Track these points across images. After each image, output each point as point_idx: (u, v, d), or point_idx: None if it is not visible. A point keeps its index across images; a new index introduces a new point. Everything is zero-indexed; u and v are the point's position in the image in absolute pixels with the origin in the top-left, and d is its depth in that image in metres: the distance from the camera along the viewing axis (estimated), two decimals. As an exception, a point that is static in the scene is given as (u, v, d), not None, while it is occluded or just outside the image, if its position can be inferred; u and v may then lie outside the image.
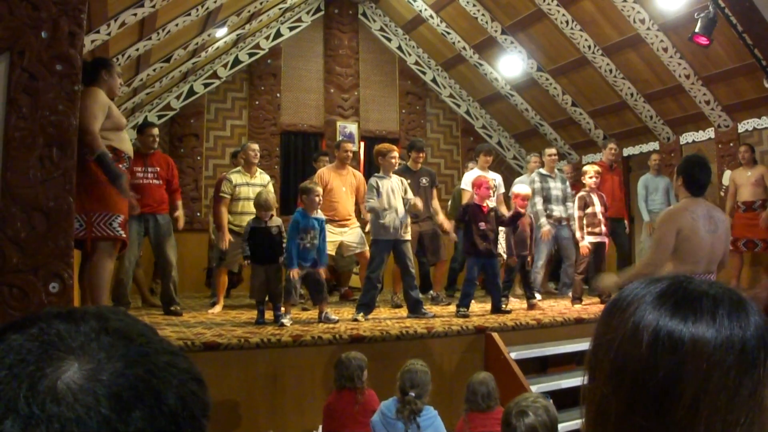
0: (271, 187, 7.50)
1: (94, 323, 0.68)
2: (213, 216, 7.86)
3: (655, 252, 4.31)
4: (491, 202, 7.03)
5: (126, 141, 4.78)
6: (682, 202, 4.32)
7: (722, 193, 8.78)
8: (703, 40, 7.17)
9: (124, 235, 4.56)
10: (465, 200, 7.87)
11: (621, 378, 0.87)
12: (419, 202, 6.69)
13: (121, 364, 0.65)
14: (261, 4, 8.68)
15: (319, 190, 6.36)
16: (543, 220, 8.32)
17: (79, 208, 4.11)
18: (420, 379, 3.92)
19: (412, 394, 3.89)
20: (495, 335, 5.50)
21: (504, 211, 7.73)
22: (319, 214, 6.28)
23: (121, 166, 4.61)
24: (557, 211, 8.42)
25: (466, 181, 8.05)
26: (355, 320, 6.10)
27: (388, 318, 6.39)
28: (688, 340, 0.84)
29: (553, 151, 8.96)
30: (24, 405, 0.59)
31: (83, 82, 4.47)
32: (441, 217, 7.63)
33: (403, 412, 3.83)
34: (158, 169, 6.82)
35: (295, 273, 5.94)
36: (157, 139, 7.06)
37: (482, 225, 6.54)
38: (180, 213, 7.03)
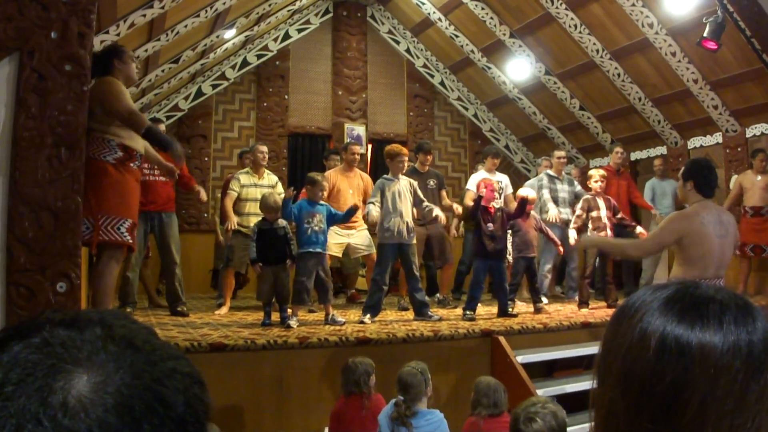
0: (280, 188, 7.51)
1: (99, 330, 0.68)
2: (220, 212, 7.87)
3: (649, 239, 4.33)
4: (498, 204, 7.02)
5: (137, 138, 4.75)
6: (693, 207, 4.30)
7: (730, 198, 8.76)
8: (712, 45, 7.15)
9: (130, 240, 4.54)
10: (467, 199, 7.85)
11: (629, 383, 0.88)
12: (441, 217, 6.70)
13: (129, 374, 0.64)
14: (270, 6, 8.70)
15: (326, 185, 6.37)
16: (550, 205, 8.31)
17: (87, 211, 4.10)
18: (407, 381, 3.91)
19: (401, 398, 3.89)
20: (501, 339, 5.49)
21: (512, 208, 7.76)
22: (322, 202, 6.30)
23: (132, 164, 4.59)
24: (564, 213, 8.42)
25: (472, 182, 8.05)
26: (362, 322, 6.09)
27: (395, 320, 6.39)
28: (695, 346, 0.84)
29: (563, 153, 8.97)
30: (35, 421, 0.59)
31: (96, 74, 4.45)
32: (455, 205, 7.67)
33: (392, 416, 3.83)
34: None
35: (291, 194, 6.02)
36: None
37: (490, 226, 6.53)
38: (201, 190, 6.98)
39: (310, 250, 6.00)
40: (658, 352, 0.86)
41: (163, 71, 8.31)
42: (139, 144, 4.75)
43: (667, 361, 0.85)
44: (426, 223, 7.38)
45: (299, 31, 11.20)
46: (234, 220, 7.03)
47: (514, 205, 7.90)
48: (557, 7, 9.03)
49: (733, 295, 0.91)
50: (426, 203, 6.64)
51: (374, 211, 6.27)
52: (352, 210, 6.33)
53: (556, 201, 8.50)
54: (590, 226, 7.30)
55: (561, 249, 7.59)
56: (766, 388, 0.84)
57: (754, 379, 0.83)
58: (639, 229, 7.40)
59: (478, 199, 6.62)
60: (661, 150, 10.09)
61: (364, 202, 7.59)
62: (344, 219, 6.41)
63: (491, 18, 10.04)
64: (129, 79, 4.79)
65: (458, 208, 7.61)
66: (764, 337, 0.85)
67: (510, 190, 8.32)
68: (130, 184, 4.56)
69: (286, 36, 11.08)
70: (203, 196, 7.00)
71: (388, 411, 3.92)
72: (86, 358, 0.64)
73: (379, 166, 10.18)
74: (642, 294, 0.95)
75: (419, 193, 6.65)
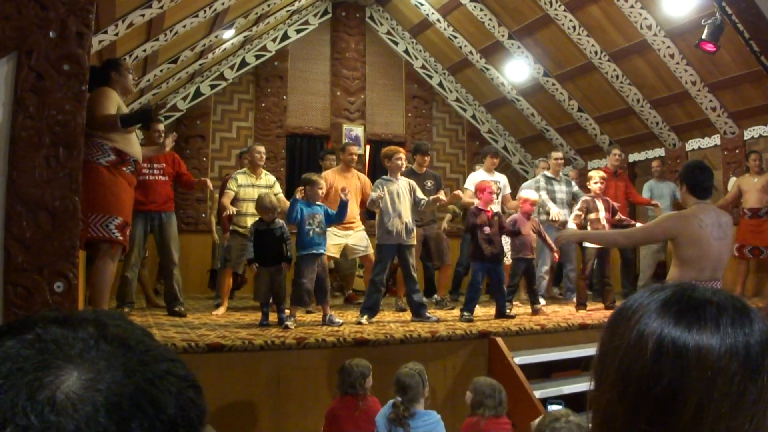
0: (277, 188, 7.49)
1: (92, 329, 0.67)
2: (218, 209, 7.91)
3: (639, 232, 4.31)
4: (495, 207, 7.02)
5: (134, 143, 4.79)
6: (691, 208, 4.31)
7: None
8: (710, 47, 7.16)
9: (120, 238, 4.56)
10: (465, 198, 7.81)
11: (626, 385, 0.88)
12: (443, 197, 6.70)
13: (120, 373, 0.64)
14: (268, 6, 8.70)
15: (323, 183, 6.36)
16: (550, 204, 8.29)
17: None
18: (406, 382, 3.91)
19: (399, 398, 3.88)
20: (499, 340, 5.49)
21: (512, 207, 7.74)
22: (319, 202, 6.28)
23: (125, 169, 4.64)
24: (562, 214, 8.42)
25: (470, 182, 8.04)
26: (359, 323, 6.09)
27: (392, 321, 6.38)
28: (692, 348, 0.84)
29: (560, 155, 8.96)
30: (23, 415, 0.59)
31: (95, 86, 4.52)
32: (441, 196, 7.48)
33: (390, 417, 3.83)
34: (164, 165, 6.84)
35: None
36: (163, 135, 7.08)
37: (486, 230, 6.52)
38: (203, 179, 7.39)
39: (313, 251, 5.99)
40: (655, 354, 0.86)
41: (161, 71, 8.31)
42: (135, 149, 4.77)
43: (664, 363, 0.85)
44: (423, 224, 7.38)
45: (298, 31, 11.20)
46: (232, 208, 7.04)
47: (511, 204, 7.93)
48: (556, 9, 9.04)
49: (730, 297, 0.91)
50: (423, 200, 6.61)
51: (375, 194, 6.27)
52: (344, 204, 6.25)
53: (554, 202, 8.49)
54: (589, 228, 7.30)
55: (557, 255, 7.59)
56: (764, 390, 0.83)
57: (751, 381, 0.83)
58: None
59: (473, 216, 6.62)
60: (660, 152, 10.09)
61: (362, 203, 7.60)
62: (339, 215, 6.32)
63: (490, 19, 10.05)
64: (126, 90, 4.93)
65: (460, 193, 7.36)
66: (761, 339, 0.85)
67: (508, 190, 8.32)
68: (122, 185, 4.62)
69: (285, 36, 11.08)
70: (209, 183, 7.21)
71: (385, 412, 3.92)
72: (77, 355, 0.64)
73: (378, 167, 10.16)
74: (639, 296, 0.95)
75: (419, 192, 6.64)
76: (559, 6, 8.98)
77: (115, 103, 4.64)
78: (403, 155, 6.64)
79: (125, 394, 0.63)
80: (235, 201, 7.22)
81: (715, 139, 9.26)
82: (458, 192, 7.19)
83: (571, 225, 7.38)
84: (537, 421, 2.96)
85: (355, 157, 7.89)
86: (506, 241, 7.41)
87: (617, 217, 7.36)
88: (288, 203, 6.56)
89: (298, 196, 6.31)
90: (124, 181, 4.63)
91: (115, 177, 4.54)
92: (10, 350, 0.63)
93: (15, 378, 0.61)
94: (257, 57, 10.86)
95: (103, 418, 0.61)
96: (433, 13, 10.78)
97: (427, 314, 6.38)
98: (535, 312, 6.98)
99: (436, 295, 8.14)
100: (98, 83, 4.60)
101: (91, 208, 4.36)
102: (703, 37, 7.13)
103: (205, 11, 7.05)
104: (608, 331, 0.95)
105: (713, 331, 0.85)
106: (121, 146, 4.58)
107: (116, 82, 4.79)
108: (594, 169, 8.89)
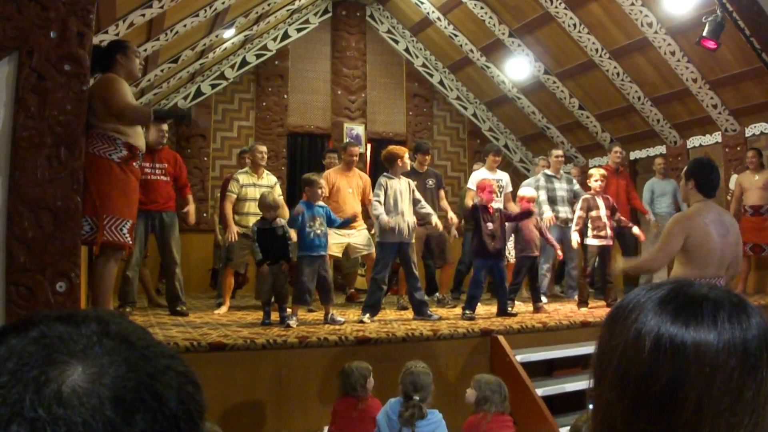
0: (278, 188, 7.49)
1: (95, 326, 0.68)
2: (219, 213, 7.89)
3: (659, 251, 4.31)
4: (497, 203, 7.02)
5: (141, 136, 4.71)
6: (694, 206, 4.30)
7: (729, 197, 8.76)
8: (711, 44, 7.16)
9: (130, 242, 4.53)
10: (467, 199, 7.83)
11: (625, 384, 0.88)
12: (439, 224, 6.80)
13: (123, 367, 0.65)
14: (269, 5, 8.70)
15: (323, 182, 6.37)
16: (545, 207, 8.31)
17: (91, 209, 4.10)
18: (422, 381, 3.92)
19: (417, 398, 3.87)
20: (501, 338, 5.49)
21: (512, 208, 7.74)
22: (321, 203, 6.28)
23: (134, 163, 4.58)
24: (563, 212, 8.42)
25: (472, 181, 8.03)
26: (361, 322, 6.09)
27: (394, 320, 6.39)
28: (690, 345, 0.85)
29: (560, 152, 8.96)
30: (30, 409, 0.60)
31: (99, 70, 4.44)
32: (450, 214, 7.52)
33: (405, 416, 3.82)
34: (166, 165, 6.82)
35: (293, 233, 6.05)
36: (166, 135, 7.07)
37: (489, 226, 6.53)
38: (191, 208, 6.98)
39: (313, 254, 5.99)
40: (654, 353, 0.86)
41: (162, 71, 8.31)
42: (142, 142, 4.73)
43: (662, 361, 0.85)
44: (425, 223, 7.37)
45: (298, 30, 11.20)
46: (234, 231, 7.00)
47: (510, 205, 7.93)
48: (556, 7, 9.03)
49: (726, 293, 0.91)
50: (422, 204, 6.63)
51: (385, 217, 6.25)
52: (349, 220, 6.37)
53: (554, 200, 8.49)
54: (590, 225, 7.29)
55: (560, 254, 7.60)
56: (763, 385, 0.84)
57: (750, 376, 0.83)
58: (636, 230, 7.46)
59: (475, 209, 6.63)
60: (661, 149, 10.09)
61: (363, 201, 7.60)
62: (340, 226, 6.41)
63: (490, 17, 10.04)
64: (131, 75, 4.73)
65: (453, 219, 7.47)
66: (759, 333, 0.85)
67: (510, 188, 8.32)
68: (133, 184, 4.56)
69: (285, 35, 11.08)
70: (191, 218, 7.01)
71: (388, 411, 3.92)
72: (81, 350, 0.65)
73: (379, 166, 10.15)
74: (636, 294, 0.95)
75: (417, 193, 6.65)
76: (560, 4, 8.98)
77: (130, 92, 4.53)
78: (407, 160, 6.64)
79: (129, 387, 0.64)
80: (236, 201, 7.22)
81: (717, 137, 9.25)
82: (452, 217, 7.31)
83: (574, 228, 7.39)
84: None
85: (356, 158, 7.90)
86: (510, 239, 7.41)
87: (616, 216, 7.36)
88: (285, 207, 6.57)
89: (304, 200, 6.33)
90: (133, 177, 4.55)
91: (126, 175, 4.43)
92: (14, 347, 0.64)
93: (21, 373, 0.62)
94: (258, 56, 10.87)
95: (109, 411, 0.62)
96: (433, 12, 10.77)
97: (429, 312, 6.38)
98: (537, 310, 6.99)
99: (437, 294, 8.13)
100: (102, 66, 4.45)
101: (106, 209, 4.26)
102: (704, 34, 7.13)
103: (205, 11, 7.05)
104: (606, 329, 0.95)
105: (711, 327, 0.85)
106: (132, 140, 4.47)
107: (122, 65, 4.55)
108: (595, 166, 8.88)
